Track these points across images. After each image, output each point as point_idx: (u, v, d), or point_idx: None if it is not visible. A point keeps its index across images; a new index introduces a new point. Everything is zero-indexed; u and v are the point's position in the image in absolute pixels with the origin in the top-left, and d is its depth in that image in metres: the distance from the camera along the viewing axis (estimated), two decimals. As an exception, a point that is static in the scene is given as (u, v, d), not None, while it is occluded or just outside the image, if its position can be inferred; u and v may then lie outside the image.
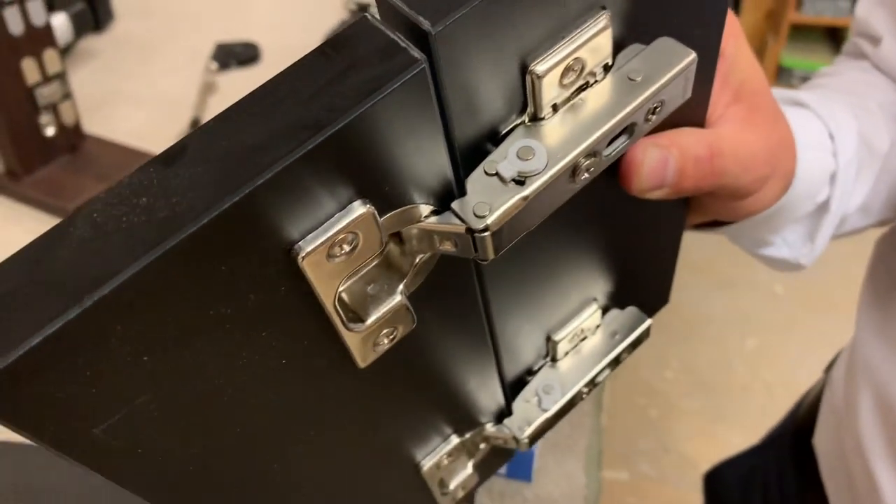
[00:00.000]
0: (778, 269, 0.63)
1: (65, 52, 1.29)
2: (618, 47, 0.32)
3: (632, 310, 0.50)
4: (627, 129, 0.32)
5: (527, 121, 0.31)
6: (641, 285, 0.52)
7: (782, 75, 2.75)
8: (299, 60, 0.25)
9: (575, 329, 0.47)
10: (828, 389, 0.80)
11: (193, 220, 0.22)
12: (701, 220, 0.52)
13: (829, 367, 0.86)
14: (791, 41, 2.71)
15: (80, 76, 1.31)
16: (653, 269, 0.52)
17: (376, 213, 0.27)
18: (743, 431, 1.48)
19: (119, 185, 0.23)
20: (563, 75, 0.30)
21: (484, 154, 0.31)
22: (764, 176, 0.44)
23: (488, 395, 0.44)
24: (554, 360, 0.49)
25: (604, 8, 0.30)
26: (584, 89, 0.32)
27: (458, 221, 0.29)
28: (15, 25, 1.02)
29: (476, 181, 0.30)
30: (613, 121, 0.31)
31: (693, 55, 0.32)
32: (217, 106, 1.26)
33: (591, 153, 0.31)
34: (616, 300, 0.50)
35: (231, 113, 0.24)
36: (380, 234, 0.27)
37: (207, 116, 1.23)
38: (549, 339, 0.47)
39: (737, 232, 0.56)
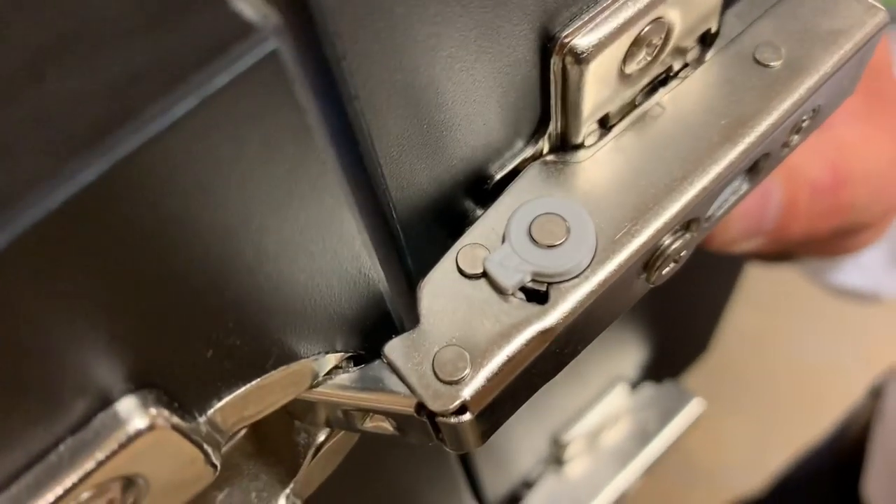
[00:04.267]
0: (851, 300, 0.48)
1: None
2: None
3: (672, 387, 0.34)
4: (752, 167, 0.15)
5: (547, 151, 0.15)
6: (681, 347, 0.37)
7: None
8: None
9: (591, 424, 0.32)
10: (879, 424, 0.66)
11: None
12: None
13: (878, 392, 0.72)
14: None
15: None
16: (697, 327, 0.37)
17: (180, 419, 0.10)
18: (743, 421, 1.35)
19: None
20: (626, 56, 0.14)
21: (460, 224, 0.14)
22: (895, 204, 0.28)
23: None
24: (559, 462, 0.33)
25: None
26: (663, 83, 0.15)
27: (399, 386, 0.13)
28: None
29: (438, 290, 0.14)
30: (735, 151, 0.14)
31: (884, 13, 0.16)
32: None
33: (687, 221, 0.14)
34: (649, 372, 0.34)
35: None
36: (204, 455, 0.11)
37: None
38: (554, 440, 0.31)
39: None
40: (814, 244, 0.29)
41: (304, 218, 0.10)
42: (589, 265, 0.13)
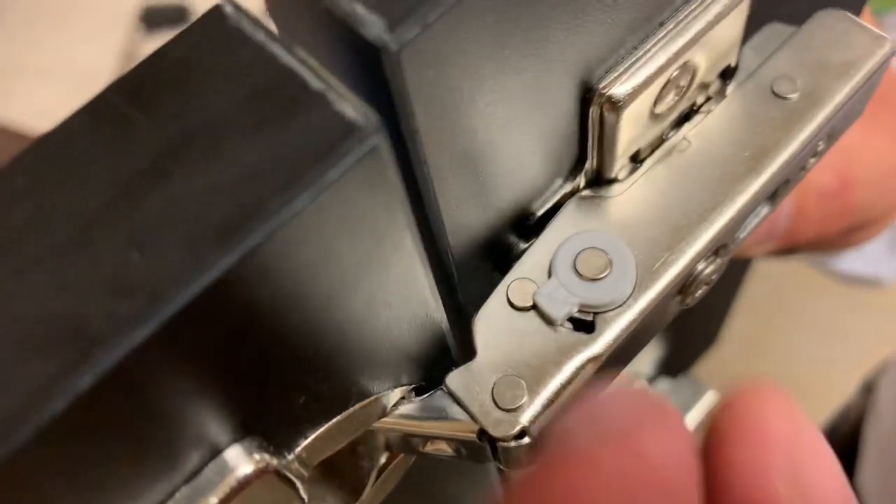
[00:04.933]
0: (852, 286, 0.49)
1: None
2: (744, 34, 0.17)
3: (686, 380, 0.36)
4: (773, 192, 0.17)
5: (583, 186, 0.16)
6: (694, 341, 0.38)
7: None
8: (54, 133, 0.10)
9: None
10: (872, 418, 0.67)
11: None
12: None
13: (870, 387, 0.73)
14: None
15: (-25, 45, 1.12)
16: (709, 321, 0.38)
17: (276, 459, 0.12)
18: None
19: None
20: (657, 99, 0.15)
21: (504, 257, 0.16)
22: (899, 200, 0.29)
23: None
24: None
25: (737, -41, 0.15)
26: (687, 118, 0.16)
27: (461, 415, 0.14)
28: None
29: (492, 323, 0.15)
30: (759, 181, 0.15)
31: (890, 43, 0.17)
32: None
33: (717, 248, 0.16)
34: (665, 366, 0.35)
35: None
36: (295, 491, 0.12)
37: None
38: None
39: None
40: (822, 243, 0.30)
41: (385, 276, 0.11)
42: (631, 294, 0.15)
